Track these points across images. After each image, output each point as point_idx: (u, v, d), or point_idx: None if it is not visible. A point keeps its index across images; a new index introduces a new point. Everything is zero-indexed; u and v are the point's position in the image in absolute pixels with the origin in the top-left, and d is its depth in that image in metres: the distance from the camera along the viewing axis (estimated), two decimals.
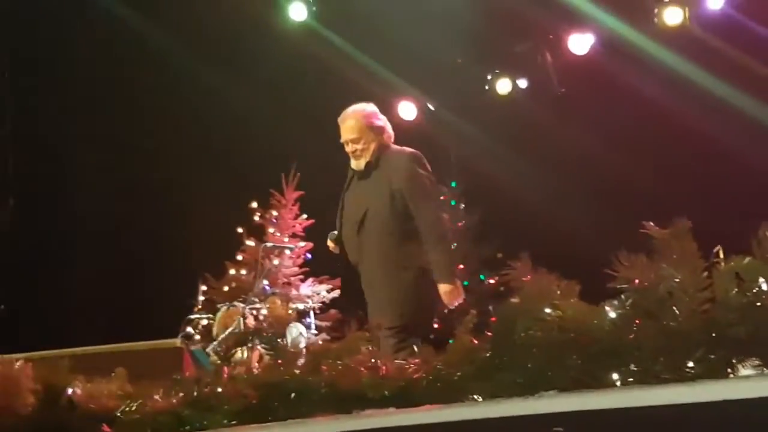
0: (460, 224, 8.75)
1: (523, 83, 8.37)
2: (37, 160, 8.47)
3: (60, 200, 8.51)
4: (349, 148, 5.09)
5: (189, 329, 6.02)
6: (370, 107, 5.18)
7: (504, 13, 7.51)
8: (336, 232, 5.14)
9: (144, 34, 7.95)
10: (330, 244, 5.22)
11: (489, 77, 8.39)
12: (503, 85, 8.39)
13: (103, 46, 8.15)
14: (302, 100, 7.91)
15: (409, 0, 7.56)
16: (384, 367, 2.71)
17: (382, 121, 5.14)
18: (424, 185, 4.97)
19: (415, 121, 8.55)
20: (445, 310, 4.98)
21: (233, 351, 4.02)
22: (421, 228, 4.85)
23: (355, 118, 5.08)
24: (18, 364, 3.33)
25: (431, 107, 8.71)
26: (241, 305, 5.82)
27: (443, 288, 4.81)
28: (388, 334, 4.67)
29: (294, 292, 6.68)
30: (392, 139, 5.15)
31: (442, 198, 5.26)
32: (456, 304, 4.91)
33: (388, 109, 8.57)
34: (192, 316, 6.26)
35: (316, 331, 5.99)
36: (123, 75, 8.08)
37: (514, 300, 2.55)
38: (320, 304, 6.50)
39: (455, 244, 5.30)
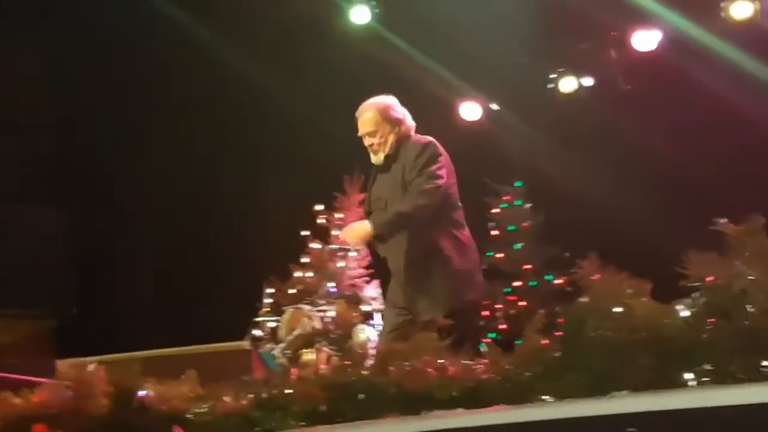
0: (525, 224, 8.69)
1: (587, 81, 8.29)
2: (102, 164, 8.61)
3: (126, 205, 8.65)
4: (366, 142, 5.00)
5: (256, 332, 6.07)
6: (388, 99, 5.06)
7: (567, 11, 7.43)
8: None
9: (206, 38, 8.02)
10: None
11: (553, 76, 8.32)
12: (567, 84, 8.32)
13: (165, 49, 8.26)
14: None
15: (471, 0, 7.53)
16: (452, 368, 2.69)
17: (401, 112, 5.01)
18: (418, 175, 4.78)
19: (479, 122, 8.52)
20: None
21: (301, 352, 4.04)
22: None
23: (371, 111, 4.99)
24: (91, 366, 3.37)
25: (494, 107, 8.66)
26: (307, 307, 5.85)
27: (363, 222, 4.79)
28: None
29: (359, 294, 6.69)
30: (412, 130, 5.02)
31: (450, 192, 4.96)
32: (346, 240, 4.85)
33: (451, 110, 8.61)
34: (258, 319, 6.32)
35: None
36: (187, 78, 8.17)
37: (584, 299, 2.52)
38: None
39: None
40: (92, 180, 8.70)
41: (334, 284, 6.77)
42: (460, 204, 4.97)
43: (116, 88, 8.47)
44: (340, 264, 6.88)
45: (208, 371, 3.40)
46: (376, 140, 4.96)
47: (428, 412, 2.67)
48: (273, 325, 6.18)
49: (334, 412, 2.80)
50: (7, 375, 3.72)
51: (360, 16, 7.92)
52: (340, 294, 6.48)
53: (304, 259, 7.04)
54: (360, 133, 5.02)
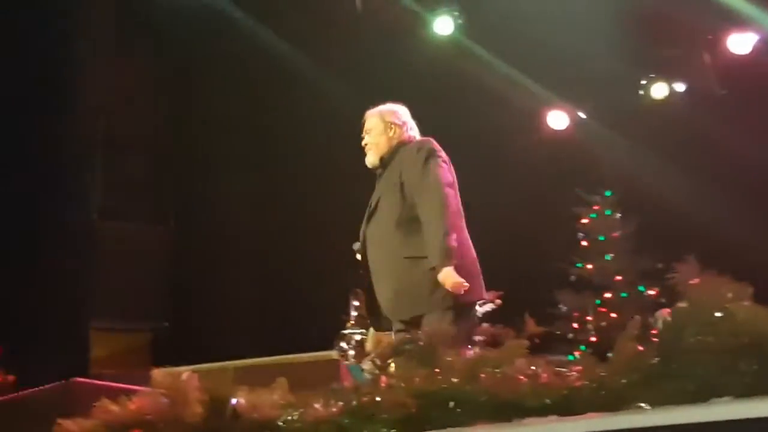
0: (615, 234, 8.55)
1: (680, 87, 8.12)
2: (193, 181, 8.77)
3: (218, 220, 8.79)
4: (363, 143, 4.99)
5: (342, 344, 6.07)
6: (395, 106, 5.04)
7: (658, 15, 7.30)
8: (357, 243, 4.96)
9: (294, 57, 8.12)
10: (358, 257, 4.99)
11: (643, 82, 8.18)
12: (659, 90, 8.19)
13: (253, 67, 8.38)
14: (452, 114, 7.91)
15: (557, 8, 7.46)
16: (544, 375, 2.65)
17: (402, 120, 4.96)
18: (427, 172, 4.67)
19: (566, 131, 8.42)
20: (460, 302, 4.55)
21: (389, 362, 4.01)
22: (420, 215, 4.60)
23: (372, 114, 5.00)
24: (185, 375, 3.42)
25: (582, 115, 8.56)
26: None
27: (440, 272, 4.45)
28: (399, 328, 4.59)
29: None
30: (411, 140, 4.93)
31: (452, 188, 4.83)
32: (455, 287, 4.46)
33: (537, 120, 8.52)
34: (345, 331, 6.31)
35: (470, 346, 5.93)
36: (277, 97, 8.29)
37: (682, 304, 2.44)
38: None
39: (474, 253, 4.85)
40: (188, 197, 8.88)
41: None
42: (460, 205, 4.80)
43: (210, 107, 8.63)
44: None
45: (297, 380, 3.42)
46: (368, 140, 4.95)
47: (520, 419, 2.63)
48: (359, 337, 6.18)
49: (424, 420, 2.78)
50: (106, 383, 3.80)
51: (443, 27, 7.92)
52: None
53: None
54: (362, 134, 5.02)
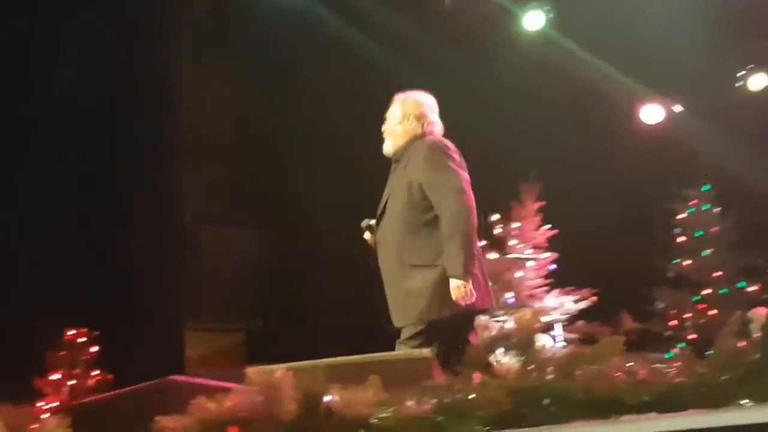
0: (714, 230, 8.34)
1: None
2: (285, 182, 8.86)
3: (308, 220, 8.85)
4: (382, 128, 4.84)
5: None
6: (421, 96, 4.87)
7: (755, 6, 7.09)
8: (370, 221, 4.80)
9: (378, 50, 8.12)
10: (367, 235, 4.83)
11: (741, 73, 7.96)
12: (757, 81, 7.96)
13: (340, 66, 8.41)
14: (542, 110, 7.83)
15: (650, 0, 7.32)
16: (642, 372, 2.59)
17: (422, 113, 4.79)
18: (440, 174, 4.54)
19: (661, 125, 8.25)
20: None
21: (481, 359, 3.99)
22: (441, 223, 4.45)
23: (397, 100, 4.84)
24: (279, 373, 3.45)
25: (678, 108, 8.37)
26: (484, 318, 5.79)
27: (452, 283, 4.36)
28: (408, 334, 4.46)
29: (539, 304, 6.59)
30: (433, 135, 4.77)
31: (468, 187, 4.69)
32: (464, 302, 4.38)
33: (631, 114, 8.36)
34: None
35: (564, 344, 5.87)
36: (363, 91, 8.25)
37: None
38: (567, 316, 6.37)
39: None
40: (280, 199, 8.97)
41: (512, 294, 6.70)
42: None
43: (303, 108, 8.70)
44: (518, 274, 6.80)
45: (390, 378, 3.42)
46: (386, 127, 4.82)
47: (617, 416, 2.58)
48: None
49: (518, 417, 2.75)
50: (201, 381, 3.86)
51: (534, 22, 7.84)
52: (519, 304, 6.41)
53: None
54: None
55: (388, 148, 4.84)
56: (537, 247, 6.94)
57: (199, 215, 8.41)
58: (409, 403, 3.02)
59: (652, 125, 8.25)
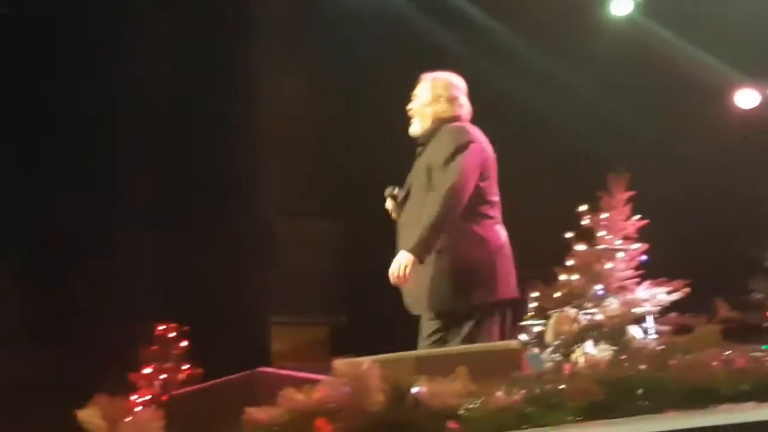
0: None
1: None
2: (366, 176, 8.86)
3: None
4: (408, 106, 4.78)
5: (522, 336, 6.00)
6: (450, 77, 4.81)
7: None
8: (393, 189, 4.80)
9: (463, 40, 8.06)
10: (388, 204, 4.81)
11: None
12: None
13: (417, 62, 8.34)
14: (631, 98, 7.67)
15: None
16: (740, 360, 2.52)
17: (453, 95, 4.74)
18: (446, 167, 4.54)
19: (757, 110, 8.01)
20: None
21: (572, 350, 3.94)
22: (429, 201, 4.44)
23: (427, 80, 4.77)
24: (366, 365, 3.45)
25: None
26: (573, 311, 5.71)
27: (401, 253, 4.41)
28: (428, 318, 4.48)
29: (629, 296, 6.46)
30: (460, 119, 4.73)
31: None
32: (394, 275, 4.43)
33: (725, 99, 8.14)
34: (524, 323, 6.25)
35: (656, 336, 5.75)
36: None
37: None
38: (659, 308, 6.23)
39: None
40: (361, 192, 8.99)
41: (601, 286, 6.58)
42: (493, 198, 4.77)
43: (382, 106, 8.70)
44: (608, 265, 6.68)
45: (477, 370, 3.39)
46: (413, 107, 4.75)
47: (714, 406, 2.51)
48: (539, 329, 6.10)
49: (611, 408, 2.70)
50: (289, 372, 3.90)
51: (621, 7, 7.69)
52: (609, 296, 6.29)
53: (569, 262, 6.90)
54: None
55: (416, 129, 4.80)
56: (627, 238, 6.80)
57: (282, 209, 8.48)
58: (498, 393, 3.00)
59: (747, 110, 8.02)
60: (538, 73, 7.92)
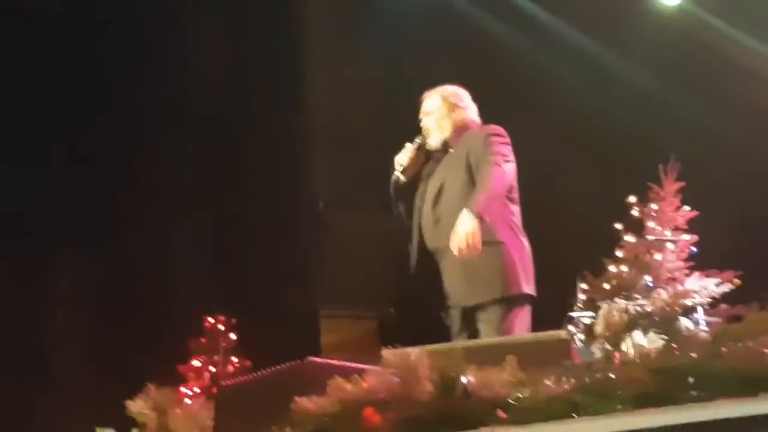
0: None
1: None
2: None
3: None
4: (423, 123, 4.92)
5: (571, 327, 5.96)
6: (456, 88, 4.97)
7: None
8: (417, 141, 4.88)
9: (507, 28, 8.02)
10: (407, 155, 4.88)
11: None
12: None
13: (470, 50, 8.32)
14: (681, 87, 7.58)
15: None
16: None
17: (464, 103, 4.92)
18: (492, 157, 4.68)
19: None
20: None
21: (621, 339, 3.92)
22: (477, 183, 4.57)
23: (434, 94, 4.93)
24: (414, 355, 3.46)
25: None
26: (623, 302, 5.67)
27: (460, 217, 4.47)
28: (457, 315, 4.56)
29: (679, 287, 6.38)
30: (474, 124, 4.90)
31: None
32: (465, 242, 4.46)
33: None
34: (573, 314, 6.21)
35: (706, 328, 5.68)
36: (492, 72, 8.18)
37: None
38: (709, 300, 6.15)
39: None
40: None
41: (651, 278, 6.52)
42: (518, 210, 4.88)
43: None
44: (658, 257, 6.61)
45: (527, 360, 3.38)
46: (430, 121, 4.89)
47: (766, 394, 2.48)
48: (588, 320, 6.05)
49: (663, 396, 2.68)
50: (338, 362, 3.91)
51: None
52: (659, 287, 6.23)
53: (619, 253, 6.83)
54: (421, 114, 4.96)
55: (437, 141, 4.94)
56: (677, 229, 6.72)
57: (331, 202, 8.51)
58: (548, 382, 2.99)
59: None
60: (588, 62, 7.86)
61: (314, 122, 8.35)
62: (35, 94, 7.86)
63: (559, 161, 8.14)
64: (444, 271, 4.87)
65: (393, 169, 5.05)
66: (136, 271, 7.96)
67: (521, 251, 4.79)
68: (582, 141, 8.04)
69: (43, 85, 7.93)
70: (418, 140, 5.03)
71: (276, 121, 8.21)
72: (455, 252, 4.58)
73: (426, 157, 5.07)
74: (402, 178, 5.02)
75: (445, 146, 4.94)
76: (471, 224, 4.52)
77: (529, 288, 4.77)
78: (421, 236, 4.98)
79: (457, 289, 4.78)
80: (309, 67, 8.33)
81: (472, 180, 4.75)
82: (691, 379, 2.64)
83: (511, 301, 4.72)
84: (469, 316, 4.81)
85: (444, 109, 4.95)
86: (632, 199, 6.86)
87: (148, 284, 7.90)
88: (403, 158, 5.02)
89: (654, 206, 6.80)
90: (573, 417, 2.83)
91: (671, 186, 6.78)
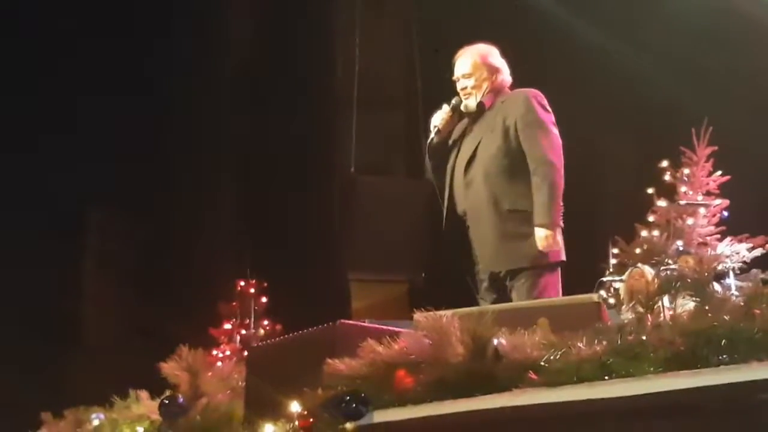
0: None
1: None
2: None
3: None
4: (459, 85, 4.82)
5: (602, 292, 5.96)
6: (489, 47, 4.87)
7: None
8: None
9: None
10: (442, 117, 4.84)
11: None
12: None
13: (504, 27, 8.25)
14: (715, 54, 7.47)
15: None
16: None
17: (500, 63, 4.84)
18: (540, 120, 4.62)
19: None
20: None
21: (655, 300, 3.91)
22: (529, 164, 4.54)
23: (469, 54, 4.83)
24: (446, 318, 3.47)
25: None
26: (647, 267, 5.66)
27: (538, 231, 4.46)
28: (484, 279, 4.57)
29: (710, 252, 6.36)
30: (509, 84, 4.83)
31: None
32: (549, 248, 4.50)
33: None
34: (604, 279, 6.21)
35: (737, 293, 5.65)
36: (531, 51, 8.13)
37: None
38: (740, 264, 6.12)
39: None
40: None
41: (682, 242, 6.50)
42: None
43: None
44: (689, 221, 6.58)
45: (558, 323, 3.38)
46: (470, 83, 4.80)
47: None
48: (619, 285, 6.05)
49: (694, 358, 2.67)
50: (370, 325, 3.94)
51: None
52: (687, 251, 6.21)
53: (650, 218, 6.82)
54: (455, 76, 4.86)
55: (473, 104, 4.87)
56: (709, 194, 6.70)
57: (361, 167, 8.52)
58: (579, 345, 2.99)
59: None
60: (620, 27, 7.78)
61: (349, 87, 8.34)
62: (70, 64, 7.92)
63: (592, 126, 8.09)
64: (474, 235, 4.84)
65: (424, 133, 5.03)
66: (169, 235, 8.03)
67: (558, 217, 4.73)
68: (615, 106, 7.98)
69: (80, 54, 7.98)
70: (454, 101, 4.97)
71: (307, 86, 8.21)
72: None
73: (460, 118, 5.02)
74: (436, 139, 4.96)
75: (481, 107, 4.88)
76: (548, 240, 4.58)
77: (563, 254, 4.72)
78: (451, 198, 4.91)
79: (489, 255, 4.76)
80: (341, 30, 8.31)
81: (507, 145, 4.70)
82: (723, 342, 2.63)
83: (546, 268, 4.69)
84: (498, 282, 4.79)
85: (483, 71, 4.88)
86: (664, 163, 6.86)
87: (182, 249, 7.98)
88: (438, 119, 4.96)
89: (686, 171, 6.80)
90: (604, 379, 2.82)
91: (704, 150, 6.76)
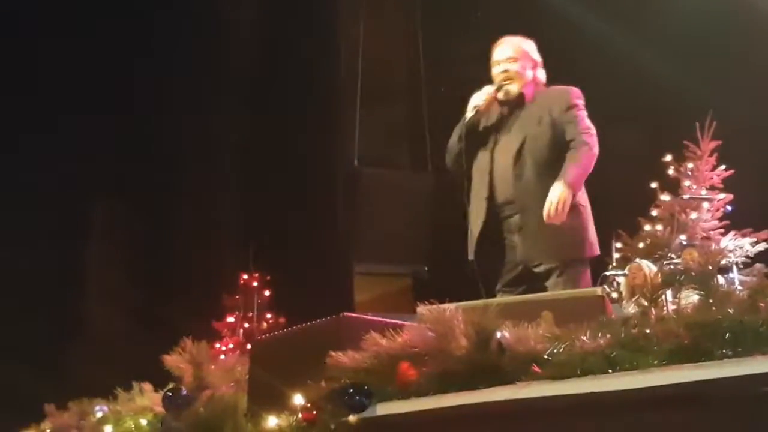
0: None
1: None
2: (449, 127, 8.83)
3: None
4: (500, 68, 4.80)
5: (605, 287, 5.95)
6: (532, 42, 4.89)
7: None
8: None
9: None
10: (483, 98, 4.78)
11: None
12: None
13: (516, 18, 8.25)
14: (721, 49, 7.45)
15: None
16: None
17: (540, 58, 4.88)
18: (582, 111, 4.74)
19: None
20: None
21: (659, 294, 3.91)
22: (568, 139, 4.64)
23: (515, 41, 4.85)
24: (450, 311, 3.47)
25: None
26: (645, 261, 5.65)
27: (555, 185, 4.50)
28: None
29: (714, 246, 6.34)
30: (544, 81, 4.86)
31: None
32: (555, 209, 4.49)
33: None
34: (607, 273, 6.20)
35: (740, 287, 5.65)
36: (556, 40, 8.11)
37: None
38: (744, 259, 6.11)
39: None
40: (444, 143, 8.96)
41: (685, 237, 6.49)
42: None
43: (466, 60, 8.61)
44: (693, 215, 6.56)
45: (561, 316, 3.38)
46: (515, 68, 4.78)
47: None
48: (622, 279, 6.04)
49: (699, 351, 2.68)
50: (374, 318, 3.94)
51: None
52: (691, 244, 6.19)
53: (654, 212, 6.80)
54: (497, 59, 4.83)
55: (515, 90, 4.84)
56: (712, 188, 6.67)
57: (364, 160, 8.52)
58: (583, 338, 2.99)
59: None
60: (625, 19, 7.76)
61: (352, 78, 8.34)
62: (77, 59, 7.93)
63: (596, 120, 8.06)
64: (518, 227, 4.84)
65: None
66: (172, 228, 8.04)
67: (590, 213, 4.86)
68: (618, 97, 7.96)
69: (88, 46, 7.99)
70: (495, 85, 4.91)
71: (311, 79, 8.21)
72: (544, 216, 4.58)
73: (498, 105, 4.96)
74: (473, 120, 4.87)
75: (520, 99, 4.86)
76: (564, 194, 4.56)
77: (597, 248, 4.92)
78: (491, 186, 4.87)
79: (532, 247, 4.77)
80: (345, 23, 8.31)
81: (555, 138, 4.75)
82: (727, 335, 2.63)
83: (585, 262, 4.85)
84: (532, 274, 4.79)
85: (528, 60, 4.89)
86: (668, 157, 6.83)
87: (185, 242, 7.98)
88: (479, 99, 4.86)
89: (690, 165, 6.77)
90: (608, 372, 2.83)
91: (708, 145, 6.74)
